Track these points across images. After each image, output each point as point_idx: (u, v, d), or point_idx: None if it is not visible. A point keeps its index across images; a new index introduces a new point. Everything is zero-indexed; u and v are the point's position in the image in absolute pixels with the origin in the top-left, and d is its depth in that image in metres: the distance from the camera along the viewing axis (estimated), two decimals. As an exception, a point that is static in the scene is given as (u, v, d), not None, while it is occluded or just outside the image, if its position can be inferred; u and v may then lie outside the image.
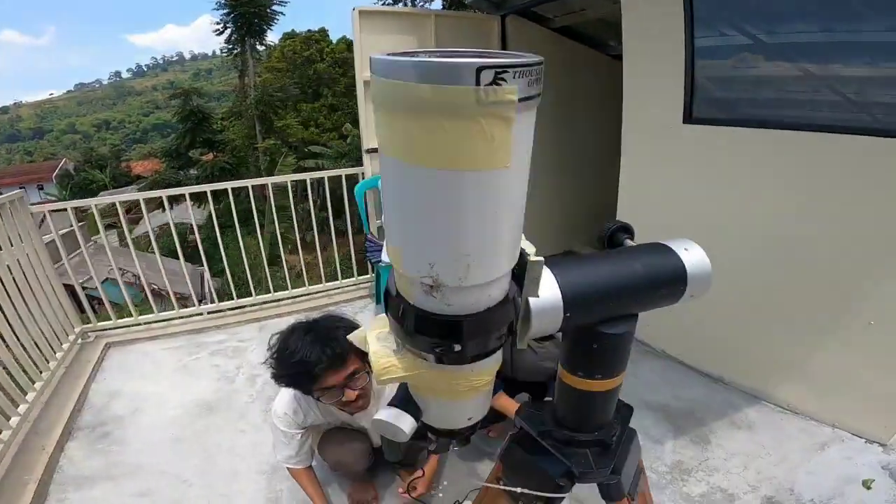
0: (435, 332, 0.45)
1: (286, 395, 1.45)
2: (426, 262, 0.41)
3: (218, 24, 17.63)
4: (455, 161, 0.35)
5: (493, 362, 0.55)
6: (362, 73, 2.88)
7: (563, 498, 0.69)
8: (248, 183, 3.12)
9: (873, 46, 1.72)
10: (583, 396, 0.65)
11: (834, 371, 1.93)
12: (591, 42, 3.72)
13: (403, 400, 0.62)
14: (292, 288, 3.27)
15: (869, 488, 1.65)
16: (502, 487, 0.71)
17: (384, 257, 2.68)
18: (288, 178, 3.29)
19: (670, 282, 0.60)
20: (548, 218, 3.71)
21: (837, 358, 1.90)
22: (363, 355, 1.29)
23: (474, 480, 1.71)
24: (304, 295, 3.28)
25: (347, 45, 20.44)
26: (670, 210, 2.29)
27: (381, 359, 0.54)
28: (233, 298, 3.09)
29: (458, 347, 0.45)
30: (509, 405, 1.52)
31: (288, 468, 1.55)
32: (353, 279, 3.44)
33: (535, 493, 0.68)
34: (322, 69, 19.65)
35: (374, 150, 2.97)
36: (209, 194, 2.98)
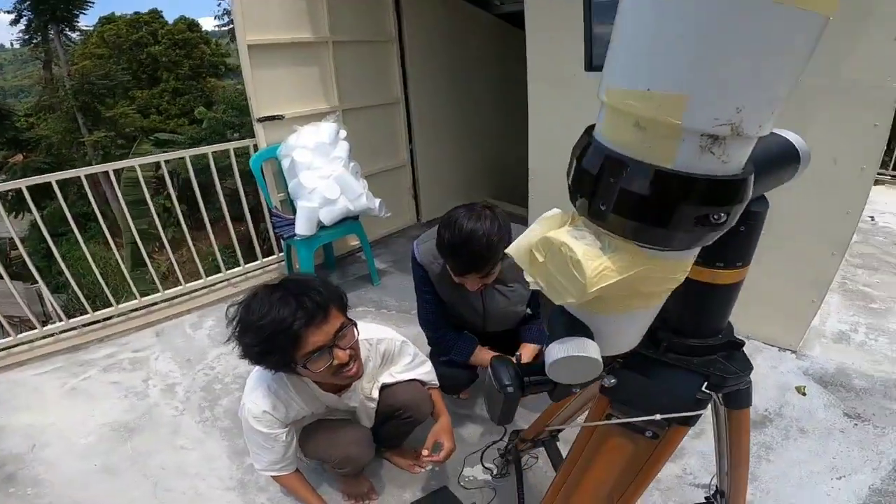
0: (708, 197, 0.38)
1: (259, 390, 1.22)
2: (732, 107, 0.35)
3: (10, 12, 14.70)
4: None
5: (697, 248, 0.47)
6: (245, 37, 2.54)
7: (701, 414, 0.61)
8: (83, 172, 2.45)
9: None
10: (711, 294, 0.60)
11: (748, 289, 2.24)
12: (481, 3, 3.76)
13: (564, 331, 0.49)
14: (187, 283, 2.84)
15: (804, 394, 1.83)
16: (627, 420, 0.60)
17: (299, 230, 2.47)
18: (162, 158, 2.80)
19: (787, 159, 0.58)
20: (460, 171, 3.90)
21: (750, 277, 2.21)
22: (345, 308, 1.15)
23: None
24: (204, 288, 2.88)
25: (188, 25, 18.25)
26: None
27: (593, 261, 0.41)
28: (88, 311, 2.54)
29: (724, 217, 0.39)
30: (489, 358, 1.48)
31: (273, 477, 1.34)
32: (258, 262, 3.10)
33: (669, 416, 0.58)
34: (159, 52, 17.25)
35: (270, 119, 2.68)
36: (26, 194, 2.26)
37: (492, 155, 4.09)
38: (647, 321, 0.53)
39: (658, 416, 0.57)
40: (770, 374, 1.93)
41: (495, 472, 1.57)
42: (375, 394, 1.40)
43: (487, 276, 1.38)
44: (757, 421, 1.72)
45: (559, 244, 0.42)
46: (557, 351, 0.47)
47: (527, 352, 1.61)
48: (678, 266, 0.45)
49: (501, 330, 1.67)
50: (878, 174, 4.11)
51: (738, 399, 0.66)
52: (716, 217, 0.39)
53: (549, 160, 2.51)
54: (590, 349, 0.47)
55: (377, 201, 2.64)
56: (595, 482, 0.65)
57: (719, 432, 0.74)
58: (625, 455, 0.63)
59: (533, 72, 2.47)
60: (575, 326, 0.49)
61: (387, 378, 1.43)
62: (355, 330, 1.15)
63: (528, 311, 1.65)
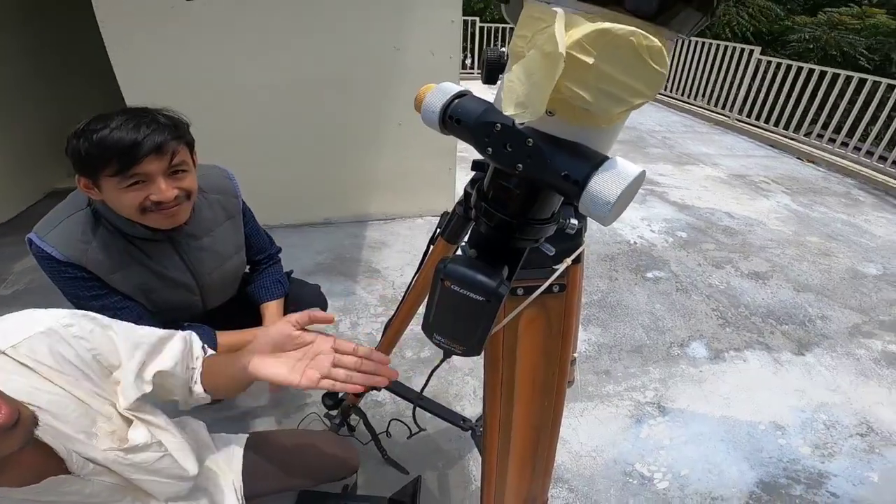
0: None
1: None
2: None
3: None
4: None
5: None
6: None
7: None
8: None
9: None
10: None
11: (401, 171, 2.73)
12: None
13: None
14: None
15: None
16: (549, 282, 0.53)
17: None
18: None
19: None
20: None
21: (396, 160, 2.68)
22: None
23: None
24: None
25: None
26: (189, 88, 2.22)
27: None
28: None
29: None
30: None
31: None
32: None
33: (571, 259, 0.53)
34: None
35: None
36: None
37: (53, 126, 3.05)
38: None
39: (568, 261, 0.53)
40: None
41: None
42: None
43: (177, 173, 0.94)
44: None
45: (627, 34, 0.32)
46: (610, 185, 0.36)
47: (271, 312, 1.31)
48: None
49: (226, 301, 1.31)
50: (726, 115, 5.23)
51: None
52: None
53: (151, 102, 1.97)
54: (630, 165, 0.38)
55: None
56: (529, 368, 0.62)
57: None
58: (541, 326, 0.59)
59: (107, 12, 1.98)
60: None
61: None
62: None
63: (247, 267, 1.34)
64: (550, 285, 0.54)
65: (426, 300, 0.48)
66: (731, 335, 2.07)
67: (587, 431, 1.59)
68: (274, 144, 2.52)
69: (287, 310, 1.36)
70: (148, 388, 0.71)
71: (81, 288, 1.00)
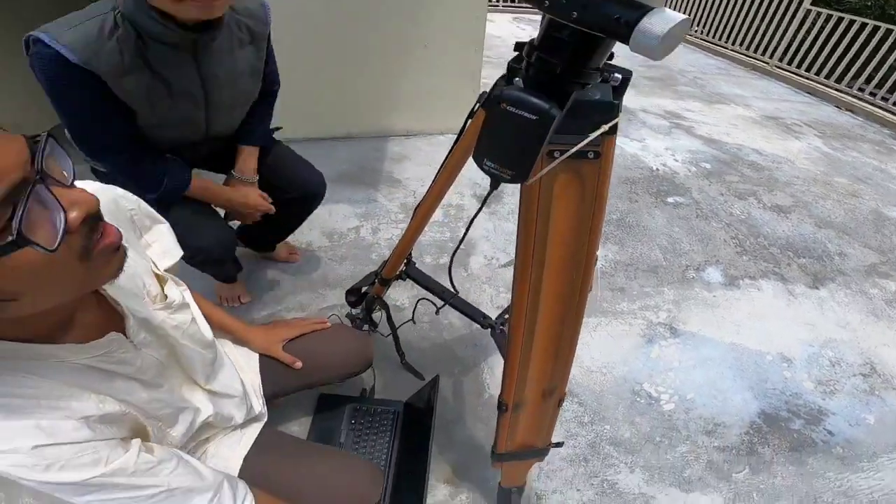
0: None
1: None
2: None
3: None
4: None
5: None
6: None
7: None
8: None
9: None
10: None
11: (425, 90, 2.74)
12: None
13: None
14: None
15: None
16: (576, 148, 0.55)
17: None
18: None
19: None
20: None
21: (421, 80, 2.70)
22: None
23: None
24: None
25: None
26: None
27: None
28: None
29: None
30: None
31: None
32: None
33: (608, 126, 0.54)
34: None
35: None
36: None
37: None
38: None
39: (604, 127, 0.55)
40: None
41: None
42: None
43: None
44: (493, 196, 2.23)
45: None
46: (659, 24, 0.39)
47: (243, 157, 1.32)
48: None
49: (227, 132, 1.29)
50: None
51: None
52: None
53: None
54: (675, 12, 0.41)
55: None
56: (562, 231, 0.65)
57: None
58: (576, 191, 0.62)
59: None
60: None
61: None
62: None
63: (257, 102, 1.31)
64: (586, 150, 0.57)
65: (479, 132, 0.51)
66: (747, 263, 2.08)
67: (599, 347, 1.63)
68: (299, 57, 2.46)
69: (266, 170, 1.38)
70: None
71: (85, 102, 0.96)
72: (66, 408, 0.50)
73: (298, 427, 1.33)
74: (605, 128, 0.56)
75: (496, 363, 1.54)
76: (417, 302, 1.40)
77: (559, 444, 0.94)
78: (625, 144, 3.02)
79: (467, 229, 0.80)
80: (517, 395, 0.80)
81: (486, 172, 0.52)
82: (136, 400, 0.58)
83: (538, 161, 0.51)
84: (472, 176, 2.40)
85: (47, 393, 0.49)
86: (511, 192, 2.26)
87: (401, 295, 1.72)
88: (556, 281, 0.66)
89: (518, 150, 0.50)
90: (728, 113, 3.81)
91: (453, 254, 0.87)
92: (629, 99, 3.80)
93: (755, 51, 5.35)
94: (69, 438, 0.48)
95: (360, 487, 0.87)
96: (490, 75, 2.49)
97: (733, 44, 5.69)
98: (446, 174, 0.93)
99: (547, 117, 0.46)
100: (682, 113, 3.67)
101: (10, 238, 0.37)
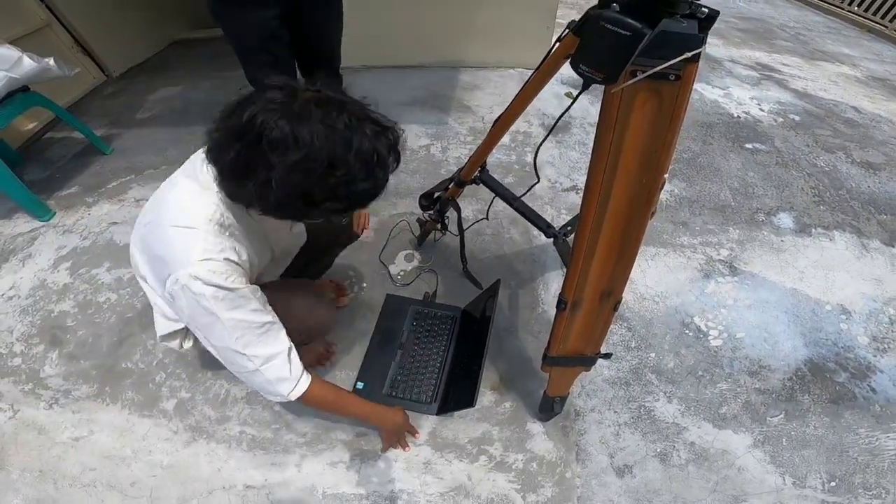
0: None
1: (201, 232, 0.78)
2: None
3: None
4: None
5: None
6: None
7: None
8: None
9: None
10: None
11: (499, 23, 2.68)
12: None
13: None
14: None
15: (571, 96, 2.11)
16: (655, 70, 0.60)
17: None
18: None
19: None
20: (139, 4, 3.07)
21: (495, 12, 2.65)
22: None
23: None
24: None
25: None
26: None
27: None
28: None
29: None
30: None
31: (301, 396, 0.89)
32: None
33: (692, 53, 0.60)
34: None
35: None
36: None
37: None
38: None
39: (687, 54, 0.60)
40: (545, 93, 2.15)
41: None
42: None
43: None
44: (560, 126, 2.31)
45: None
46: None
47: None
48: None
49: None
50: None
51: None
52: None
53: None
54: None
55: (48, 60, 1.88)
56: (637, 137, 0.69)
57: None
58: (654, 107, 0.67)
59: None
60: None
61: None
62: None
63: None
64: (668, 72, 0.63)
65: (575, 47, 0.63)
66: (823, 213, 2.00)
67: (654, 276, 1.64)
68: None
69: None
70: None
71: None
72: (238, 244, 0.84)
73: (366, 325, 1.46)
74: (687, 55, 0.62)
75: (552, 279, 1.61)
76: (491, 201, 1.47)
77: (608, 356, 0.99)
78: (705, 91, 2.88)
79: (562, 114, 0.85)
80: (577, 293, 0.85)
81: (580, 75, 0.64)
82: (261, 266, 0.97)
83: (623, 74, 0.61)
84: (542, 106, 2.43)
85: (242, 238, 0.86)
86: (579, 125, 2.28)
87: (465, 208, 1.82)
88: (626, 181, 0.72)
89: (611, 59, 0.61)
90: (830, 70, 3.50)
91: (544, 138, 0.92)
92: (716, 49, 3.57)
93: (875, 13, 4.79)
94: (237, 262, 0.82)
95: (323, 312, 1.17)
96: (565, 15, 2.44)
97: (850, 4, 5.11)
98: (529, 90, 0.97)
99: (639, 34, 0.57)
100: (776, 66, 3.41)
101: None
